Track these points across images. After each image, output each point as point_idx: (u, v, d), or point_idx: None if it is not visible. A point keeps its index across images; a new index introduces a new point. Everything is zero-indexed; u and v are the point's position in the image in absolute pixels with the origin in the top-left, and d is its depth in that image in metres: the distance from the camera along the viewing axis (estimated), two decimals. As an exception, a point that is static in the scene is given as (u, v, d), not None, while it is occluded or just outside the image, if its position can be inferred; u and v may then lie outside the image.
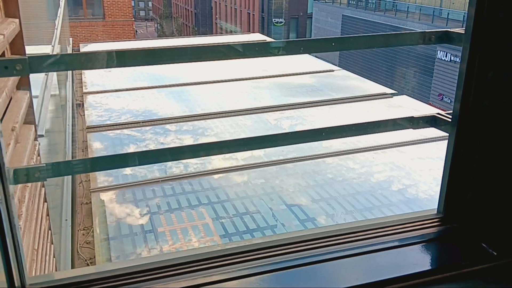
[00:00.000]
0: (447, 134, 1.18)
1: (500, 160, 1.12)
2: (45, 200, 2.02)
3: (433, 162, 4.37)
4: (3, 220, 0.81)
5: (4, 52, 1.53)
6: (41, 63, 0.92)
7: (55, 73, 3.95)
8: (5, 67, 0.88)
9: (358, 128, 1.19)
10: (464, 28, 1.13)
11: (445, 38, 1.14)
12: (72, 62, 0.97)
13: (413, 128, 1.25)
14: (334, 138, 1.16)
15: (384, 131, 1.24)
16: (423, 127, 1.23)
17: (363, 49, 0.92)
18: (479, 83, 1.11)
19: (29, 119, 1.84)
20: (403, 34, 1.11)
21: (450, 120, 1.19)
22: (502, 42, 1.08)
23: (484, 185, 1.14)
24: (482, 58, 1.10)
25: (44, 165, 0.97)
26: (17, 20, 1.76)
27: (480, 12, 1.10)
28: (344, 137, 1.19)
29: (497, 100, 1.09)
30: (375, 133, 1.23)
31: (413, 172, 4.22)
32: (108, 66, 0.94)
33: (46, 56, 0.95)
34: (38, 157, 1.91)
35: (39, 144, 1.93)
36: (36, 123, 1.93)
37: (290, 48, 1.11)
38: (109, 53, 0.92)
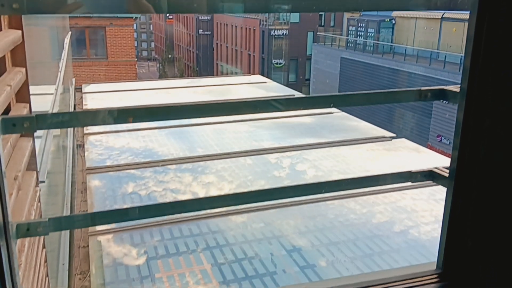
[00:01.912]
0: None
1: (498, 213, 1.14)
2: (43, 247, 2.01)
3: (435, 203, 4.37)
4: (5, 275, 0.81)
5: (10, 102, 1.56)
6: (47, 121, 0.94)
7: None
8: (13, 125, 0.91)
9: (357, 182, 1.21)
10: (459, 85, 1.17)
11: (440, 95, 1.17)
12: (77, 119, 0.99)
13: (412, 182, 1.27)
14: (333, 192, 1.17)
15: (382, 185, 1.26)
16: (421, 181, 1.25)
17: (361, 105, 0.95)
18: (475, 135, 1.13)
19: (31, 165, 1.85)
20: (400, 92, 1.15)
21: (447, 175, 1.21)
22: (497, 98, 1.11)
23: (483, 239, 1.14)
24: (477, 115, 1.13)
25: (47, 220, 0.98)
26: (23, 69, 1.81)
27: (473, 72, 1.14)
28: (343, 190, 1.20)
29: (494, 151, 1.12)
30: (373, 186, 1.25)
31: (414, 213, 4.21)
32: (114, 122, 0.97)
33: (53, 114, 0.98)
34: (39, 204, 1.91)
35: (40, 190, 1.94)
36: (38, 169, 1.95)
37: (291, 104, 1.15)
38: (112, 111, 0.94)
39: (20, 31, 1.75)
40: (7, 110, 1.64)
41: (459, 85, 1.15)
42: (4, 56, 1.56)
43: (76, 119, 0.99)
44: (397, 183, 1.25)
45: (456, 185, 1.14)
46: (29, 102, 1.85)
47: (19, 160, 1.59)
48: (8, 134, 1.17)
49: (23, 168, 1.62)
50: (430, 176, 1.22)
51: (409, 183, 3.98)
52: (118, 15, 22.67)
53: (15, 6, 0.82)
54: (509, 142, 1.09)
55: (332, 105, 1.01)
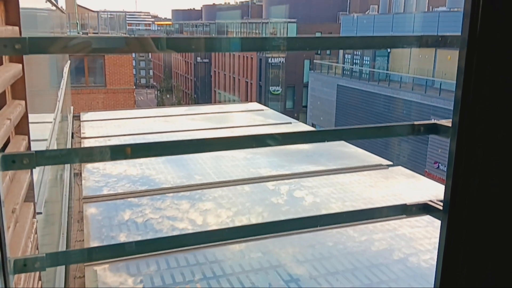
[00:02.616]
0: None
1: (492, 244, 1.14)
2: (39, 279, 1.99)
3: (434, 230, 4.35)
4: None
5: (9, 136, 1.58)
6: (46, 157, 0.96)
7: (55, 143, 4.02)
8: (12, 161, 0.92)
9: (353, 215, 1.22)
10: (450, 120, 1.19)
11: (433, 129, 1.19)
12: (76, 155, 1.01)
13: (407, 215, 1.28)
14: (329, 225, 1.18)
15: (378, 218, 1.27)
16: (416, 215, 1.26)
17: (355, 139, 0.96)
18: (468, 167, 1.15)
19: (29, 197, 1.86)
20: (393, 126, 1.17)
21: (441, 207, 1.22)
22: (489, 130, 1.13)
23: (478, 270, 1.15)
24: (469, 147, 1.15)
25: (44, 255, 0.98)
26: (23, 102, 1.83)
27: (464, 104, 1.16)
28: (339, 223, 1.21)
29: (488, 182, 1.13)
30: (369, 219, 1.26)
31: (413, 241, 4.19)
32: (111, 159, 0.98)
33: (52, 151, 0.99)
34: (36, 235, 1.91)
35: (37, 222, 1.94)
36: (35, 200, 1.95)
37: (286, 139, 1.17)
38: (109, 147, 0.96)
39: (21, 65, 1.78)
40: (6, 143, 1.66)
41: (451, 119, 1.18)
42: (4, 89, 1.59)
43: (74, 155, 1.01)
44: (392, 216, 1.26)
45: (450, 218, 1.15)
46: (28, 134, 1.87)
47: (17, 192, 1.60)
48: (8, 170, 1.18)
49: (20, 201, 1.63)
50: (425, 209, 1.24)
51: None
52: (117, 43, 22.93)
53: (17, 47, 0.85)
54: (503, 172, 1.11)
55: (326, 140, 1.03)
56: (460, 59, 1.15)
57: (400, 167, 5.94)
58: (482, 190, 1.15)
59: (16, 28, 1.70)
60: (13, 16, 1.72)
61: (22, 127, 1.84)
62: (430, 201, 1.25)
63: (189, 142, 1.07)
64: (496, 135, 1.14)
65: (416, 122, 1.21)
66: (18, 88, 1.77)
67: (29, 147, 1.88)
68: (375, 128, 1.16)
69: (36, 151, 0.94)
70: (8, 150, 1.56)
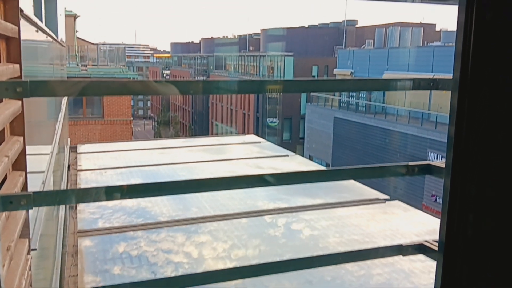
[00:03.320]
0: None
1: (489, 284, 1.14)
2: (31, 317, 1.96)
3: (433, 265, 4.30)
4: None
5: (6, 173, 1.59)
6: (43, 198, 0.96)
7: (51, 176, 4.01)
8: (10, 202, 0.93)
9: (350, 256, 1.22)
10: (444, 161, 1.21)
11: (427, 170, 1.21)
12: (72, 196, 1.02)
13: (403, 255, 1.28)
14: (326, 265, 1.18)
15: (375, 257, 1.27)
16: (412, 254, 1.26)
17: (350, 179, 0.97)
18: (463, 206, 1.16)
19: (24, 233, 1.85)
20: (388, 166, 1.19)
21: (436, 248, 1.22)
22: (481, 171, 1.15)
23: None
24: (464, 186, 1.16)
25: (38, 297, 0.98)
26: (21, 138, 1.84)
27: (457, 146, 1.18)
28: (336, 264, 1.21)
29: (482, 221, 1.14)
30: (365, 259, 1.25)
31: (412, 274, 4.14)
32: (107, 199, 0.99)
33: (49, 192, 1.00)
34: (29, 272, 1.89)
35: (31, 258, 1.92)
36: (30, 237, 1.94)
37: (282, 180, 1.18)
38: (106, 188, 0.97)
39: (20, 102, 1.80)
40: (3, 179, 1.66)
41: (444, 161, 1.19)
42: (3, 127, 1.60)
43: (71, 195, 1.02)
44: (388, 256, 1.26)
45: (445, 259, 1.16)
46: (25, 170, 1.88)
47: (12, 230, 1.59)
48: (6, 211, 1.19)
49: (16, 238, 1.62)
50: (420, 249, 1.24)
51: (407, 241, 3.92)
52: (116, 75, 23.20)
53: (18, 90, 0.87)
54: (497, 209, 1.12)
55: (321, 180, 1.04)
56: (452, 100, 1.18)
57: (397, 201, 5.93)
58: (477, 228, 1.15)
59: (17, 66, 1.73)
60: (15, 54, 1.75)
61: (19, 163, 1.85)
62: (426, 241, 1.25)
63: (187, 183, 1.08)
64: (489, 175, 1.15)
65: (410, 163, 1.22)
66: (17, 124, 1.78)
67: (26, 183, 1.88)
68: (370, 169, 1.17)
69: (33, 192, 0.95)
70: (5, 187, 1.56)
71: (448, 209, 1.17)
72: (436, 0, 1.18)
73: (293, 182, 1.13)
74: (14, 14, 1.75)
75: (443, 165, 1.17)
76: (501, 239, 1.13)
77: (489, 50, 1.13)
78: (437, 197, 20.74)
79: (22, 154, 1.87)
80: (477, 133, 1.15)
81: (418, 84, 1.17)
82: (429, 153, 21.58)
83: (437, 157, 21.13)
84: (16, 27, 1.74)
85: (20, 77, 1.77)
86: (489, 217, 1.14)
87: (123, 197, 1.05)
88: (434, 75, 24.05)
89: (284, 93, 1.10)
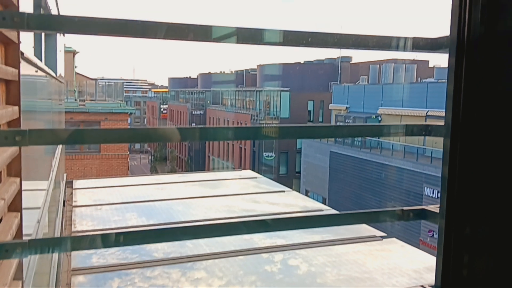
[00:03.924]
0: None
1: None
2: None
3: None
4: None
5: (1, 216, 1.58)
6: (38, 246, 0.96)
7: (47, 214, 3.98)
8: (6, 250, 0.93)
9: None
10: (438, 206, 1.22)
11: (422, 215, 1.22)
12: (67, 244, 1.02)
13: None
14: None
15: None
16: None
17: (346, 224, 0.98)
18: (456, 248, 1.16)
19: (18, 275, 1.83)
20: (382, 212, 1.20)
21: (434, 294, 1.22)
22: (473, 213, 1.16)
23: None
24: (457, 231, 1.17)
25: None
26: (18, 179, 1.84)
27: (451, 191, 1.20)
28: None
29: (476, 259, 1.14)
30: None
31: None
32: (103, 247, 0.99)
33: (44, 240, 1.00)
34: (21, 316, 1.86)
35: (23, 301, 1.89)
36: (24, 279, 1.92)
37: (281, 225, 1.18)
38: (102, 235, 0.97)
39: (17, 107, 1.80)
40: (-2, 221, 1.65)
41: (438, 206, 1.20)
42: (1, 170, 1.61)
43: (67, 243, 1.02)
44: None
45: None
46: (21, 211, 1.87)
47: (6, 272, 1.58)
48: (1, 259, 1.18)
49: (9, 280, 1.60)
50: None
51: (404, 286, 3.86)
52: (114, 110, 23.33)
53: (17, 138, 0.88)
54: (491, 249, 1.13)
55: (317, 226, 1.05)
56: (445, 144, 1.20)
57: (394, 239, 5.90)
58: (471, 269, 1.15)
59: (16, 108, 1.75)
60: (14, 96, 1.77)
61: (15, 204, 1.84)
62: (422, 286, 1.25)
63: (185, 229, 1.08)
64: (483, 218, 1.16)
65: (405, 208, 1.23)
66: (14, 166, 1.79)
67: (21, 224, 1.87)
68: (364, 214, 1.18)
69: (29, 240, 0.95)
70: (0, 229, 1.56)
71: (443, 251, 1.17)
72: (427, 49, 1.22)
73: (291, 228, 1.14)
74: (15, 58, 1.78)
75: (437, 210, 1.18)
76: (496, 277, 1.13)
77: (480, 92, 1.16)
78: (434, 233, 20.60)
79: (18, 195, 1.87)
80: (470, 175, 1.17)
81: (411, 131, 1.20)
82: (425, 188, 21.57)
83: (433, 192, 21.11)
84: (16, 70, 1.77)
85: (19, 119, 1.79)
86: (484, 256, 1.15)
87: (119, 244, 1.05)
88: (428, 111, 24.31)
89: (280, 139, 1.12)
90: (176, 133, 1.02)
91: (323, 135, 1.10)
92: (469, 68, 1.13)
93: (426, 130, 1.16)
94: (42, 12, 4.93)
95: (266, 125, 1.13)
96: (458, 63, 1.14)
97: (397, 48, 1.19)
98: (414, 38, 1.20)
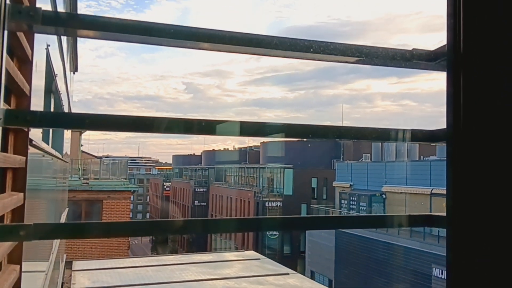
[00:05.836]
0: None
1: None
2: None
3: None
4: None
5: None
6: None
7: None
8: None
9: None
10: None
11: (428, 221, 1.20)
12: None
13: None
14: None
15: None
16: None
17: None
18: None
19: None
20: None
21: None
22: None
23: None
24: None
25: None
26: (18, 268, 1.82)
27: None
28: None
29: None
30: None
31: None
32: None
33: None
34: None
35: None
36: None
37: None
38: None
39: (22, 194, 1.80)
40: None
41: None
42: (1, 260, 1.60)
43: None
44: None
45: None
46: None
47: None
48: None
49: None
50: None
51: None
52: (117, 188, 23.35)
53: (22, 233, 0.89)
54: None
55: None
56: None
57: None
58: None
59: (21, 195, 1.77)
60: (20, 183, 1.79)
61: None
62: None
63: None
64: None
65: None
66: (15, 254, 1.78)
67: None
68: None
69: None
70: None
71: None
72: (424, 140, 1.25)
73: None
74: (23, 146, 1.83)
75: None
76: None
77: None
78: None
79: (18, 283, 1.84)
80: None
81: (413, 221, 1.20)
82: (434, 269, 20.94)
83: (442, 273, 20.46)
84: (24, 158, 1.81)
85: (23, 206, 1.81)
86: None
87: None
88: (432, 189, 24.21)
89: (283, 231, 1.12)
90: (179, 225, 1.03)
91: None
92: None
93: (428, 222, 1.17)
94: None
95: (269, 216, 1.14)
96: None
97: (396, 140, 1.23)
98: (412, 130, 1.24)
